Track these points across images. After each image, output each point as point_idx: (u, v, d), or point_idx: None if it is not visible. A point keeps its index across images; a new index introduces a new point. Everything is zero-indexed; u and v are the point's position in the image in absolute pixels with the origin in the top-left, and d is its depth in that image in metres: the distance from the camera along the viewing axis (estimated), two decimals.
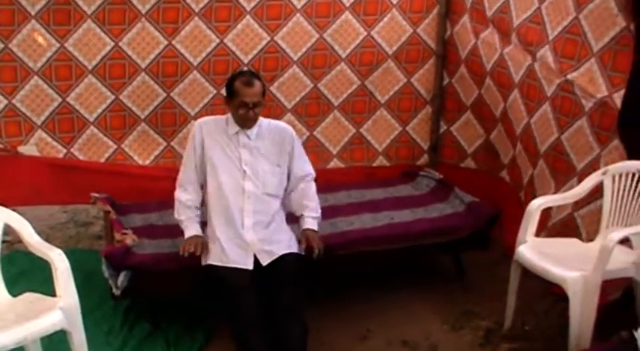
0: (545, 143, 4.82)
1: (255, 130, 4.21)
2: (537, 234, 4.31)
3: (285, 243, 4.15)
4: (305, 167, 4.43)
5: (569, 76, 4.53)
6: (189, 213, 4.23)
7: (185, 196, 4.25)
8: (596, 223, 4.38)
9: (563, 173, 4.68)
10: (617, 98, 4.20)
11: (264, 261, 4.02)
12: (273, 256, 4.04)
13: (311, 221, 4.32)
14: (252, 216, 4.12)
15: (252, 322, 3.82)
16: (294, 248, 4.17)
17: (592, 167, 4.40)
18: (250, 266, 4.00)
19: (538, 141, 4.90)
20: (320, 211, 4.43)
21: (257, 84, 4.09)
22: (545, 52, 4.73)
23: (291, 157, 4.33)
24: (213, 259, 4.04)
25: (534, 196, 4.72)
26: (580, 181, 4.42)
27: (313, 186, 4.47)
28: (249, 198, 4.13)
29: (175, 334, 4.32)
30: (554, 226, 4.67)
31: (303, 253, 4.20)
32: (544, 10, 4.74)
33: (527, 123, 4.99)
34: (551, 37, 4.68)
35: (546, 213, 4.61)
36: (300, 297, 3.98)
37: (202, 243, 4.12)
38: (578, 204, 4.47)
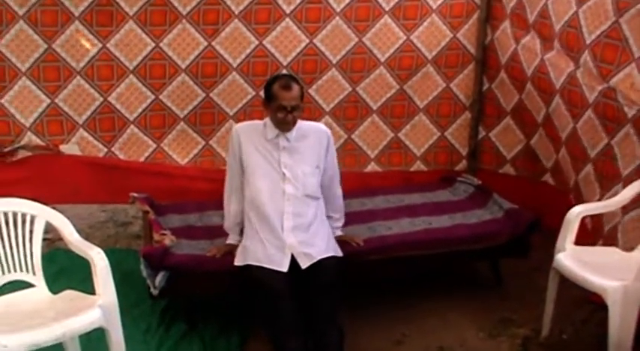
0: (596, 148, 4.75)
1: (294, 132, 4.21)
2: (592, 242, 4.25)
3: (324, 246, 4.15)
4: (334, 167, 4.45)
5: (610, 83, 4.47)
6: (232, 225, 4.37)
7: (231, 206, 4.34)
8: (637, 230, 4.33)
9: (610, 179, 4.62)
10: None
11: (304, 264, 4.02)
12: (313, 259, 4.03)
13: (337, 231, 4.46)
14: (293, 219, 4.12)
15: (288, 328, 3.83)
16: (332, 251, 4.16)
17: (638, 174, 4.34)
18: (285, 268, 3.99)
19: (587, 145, 4.83)
20: (344, 218, 4.57)
21: (295, 87, 4.10)
22: (586, 58, 4.67)
23: (326, 156, 4.34)
24: (251, 258, 4.05)
25: (582, 201, 4.69)
26: (625, 187, 4.35)
27: (339, 190, 4.52)
28: (288, 200, 4.14)
29: (211, 335, 4.33)
30: (610, 232, 4.61)
31: (341, 254, 4.22)
32: (581, 14, 4.68)
33: (572, 128, 4.93)
34: (588, 42, 4.63)
35: (598, 220, 4.55)
36: (338, 302, 3.98)
37: (227, 251, 4.27)
38: (625, 210, 4.41)
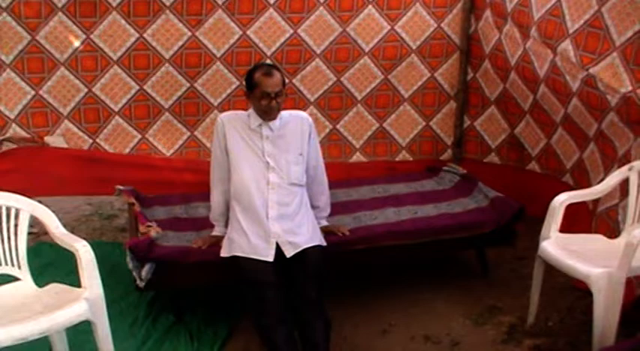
0: (591, 129, 4.79)
1: (277, 122, 4.22)
2: (584, 230, 4.28)
3: (309, 235, 4.15)
4: (318, 156, 4.44)
5: (590, 70, 4.49)
6: (218, 216, 4.36)
7: (216, 197, 4.33)
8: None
9: (611, 158, 4.64)
10: None
11: (289, 253, 4.02)
12: (298, 248, 4.04)
13: (322, 222, 4.46)
14: (277, 207, 4.12)
15: (275, 318, 3.83)
16: (317, 240, 4.18)
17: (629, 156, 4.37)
18: (271, 258, 3.99)
19: (583, 127, 4.86)
20: (329, 208, 4.54)
21: (277, 74, 4.10)
22: (567, 46, 4.68)
23: (308, 143, 4.34)
24: (236, 250, 4.05)
25: (587, 177, 4.77)
26: (620, 168, 4.36)
27: (324, 179, 4.50)
28: (273, 189, 4.13)
29: (198, 327, 4.33)
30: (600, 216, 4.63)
31: (325, 244, 4.23)
32: (564, 3, 4.70)
33: (564, 112, 4.97)
34: (571, 31, 4.64)
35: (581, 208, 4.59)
36: (323, 291, 3.98)
37: (213, 243, 4.27)
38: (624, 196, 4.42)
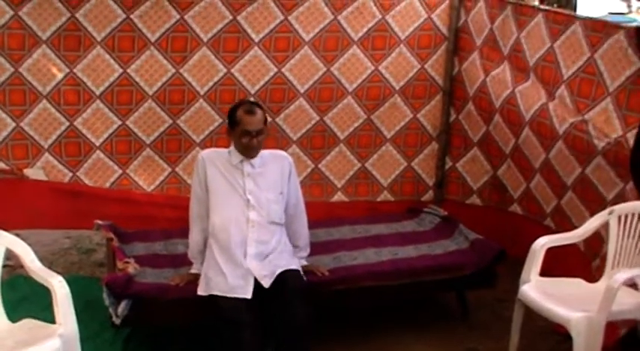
0: (571, 176, 4.81)
1: (258, 159, 4.22)
2: (575, 272, 4.35)
3: (285, 262, 4.16)
4: (298, 195, 4.46)
5: (585, 116, 4.53)
6: (196, 254, 4.34)
7: (195, 235, 4.32)
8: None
9: (595, 202, 4.63)
10: (631, 138, 4.20)
11: (267, 283, 4.01)
12: (274, 275, 4.03)
13: (302, 261, 4.44)
14: (256, 245, 4.12)
15: None
16: (295, 265, 4.18)
17: (621, 198, 4.36)
18: (249, 295, 3.97)
19: (562, 174, 4.88)
20: (309, 248, 4.55)
21: (259, 112, 4.13)
22: (563, 92, 4.73)
23: (288, 182, 4.35)
24: (213, 288, 4.03)
25: (569, 221, 4.79)
26: None
27: (304, 218, 4.51)
28: (253, 227, 4.13)
29: None
30: None
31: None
32: (557, 49, 4.76)
33: (545, 158, 4.99)
34: (565, 77, 4.70)
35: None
36: (308, 311, 3.98)
37: (190, 280, 4.24)
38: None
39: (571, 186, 4.84)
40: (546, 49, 4.87)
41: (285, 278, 4.03)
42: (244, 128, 4.08)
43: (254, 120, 4.09)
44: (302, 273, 4.21)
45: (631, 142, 4.19)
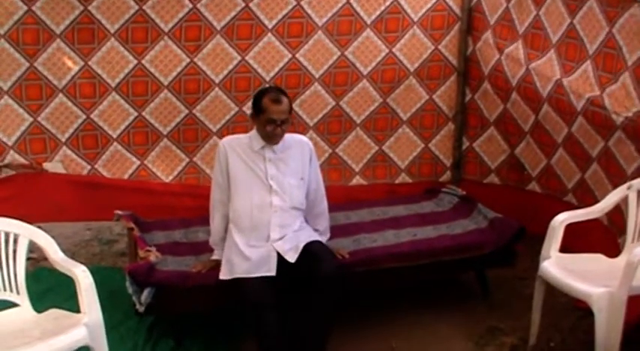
0: (595, 148, 4.80)
1: (279, 144, 4.22)
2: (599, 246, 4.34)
3: (307, 236, 4.20)
4: (318, 179, 4.47)
5: (607, 90, 4.50)
6: (218, 240, 4.35)
7: (216, 222, 4.33)
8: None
9: (617, 176, 4.62)
10: None
11: (292, 258, 4.04)
12: (299, 250, 4.06)
13: None
14: (279, 230, 4.14)
15: (273, 341, 3.86)
16: (316, 237, 4.24)
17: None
18: (273, 272, 4.00)
19: (586, 147, 4.87)
20: (329, 232, 4.58)
21: (285, 101, 4.11)
22: (587, 67, 4.70)
23: (309, 168, 4.36)
24: (236, 271, 4.05)
25: (592, 195, 4.76)
26: None
27: (324, 203, 4.53)
28: (275, 212, 4.15)
29: None
30: None
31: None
32: (577, 25, 4.74)
33: (568, 132, 4.98)
34: (590, 52, 4.67)
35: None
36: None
37: (212, 267, 4.26)
38: None
39: (596, 158, 4.82)
40: (567, 26, 4.84)
41: (311, 247, 4.07)
42: (270, 117, 4.07)
43: (280, 109, 4.08)
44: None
45: None
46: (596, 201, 4.59)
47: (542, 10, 5.07)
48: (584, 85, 4.71)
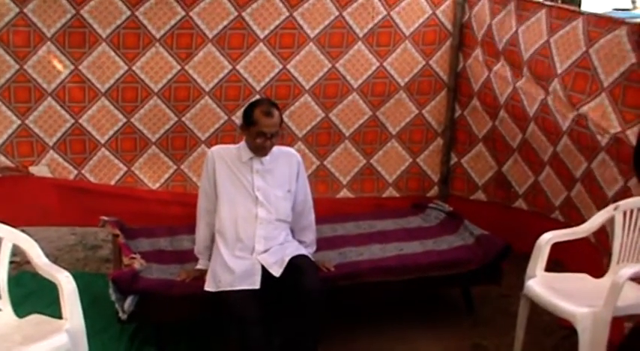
0: (579, 169, 4.80)
1: (267, 156, 4.21)
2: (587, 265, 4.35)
3: (293, 249, 4.19)
4: (306, 192, 4.47)
5: (580, 111, 4.52)
6: (203, 249, 4.35)
7: (202, 231, 4.33)
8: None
9: (599, 198, 4.63)
10: (631, 135, 4.18)
11: (277, 272, 4.02)
12: (284, 263, 4.05)
13: None
14: (264, 242, 4.13)
15: None
16: (302, 251, 4.22)
17: (623, 196, 4.35)
18: (257, 285, 3.98)
19: (570, 167, 4.88)
20: (315, 244, 4.57)
21: (276, 114, 4.11)
22: (556, 86, 4.72)
23: (297, 180, 4.35)
24: (221, 284, 4.03)
25: (579, 213, 4.77)
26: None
27: (311, 215, 4.52)
28: (261, 224, 4.14)
29: None
30: None
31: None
32: (552, 43, 4.75)
33: (553, 151, 4.98)
34: (559, 71, 4.68)
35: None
36: (321, 315, 3.99)
37: (197, 276, 4.25)
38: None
39: (579, 179, 4.83)
40: (542, 44, 4.84)
41: (296, 261, 4.06)
42: (260, 129, 4.07)
43: (271, 122, 4.08)
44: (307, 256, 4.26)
45: (631, 138, 4.18)
46: (583, 218, 4.61)
47: (522, 27, 5.06)
48: (561, 105, 4.73)
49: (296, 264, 4.05)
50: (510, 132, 5.40)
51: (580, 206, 4.92)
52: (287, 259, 4.06)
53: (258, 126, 4.06)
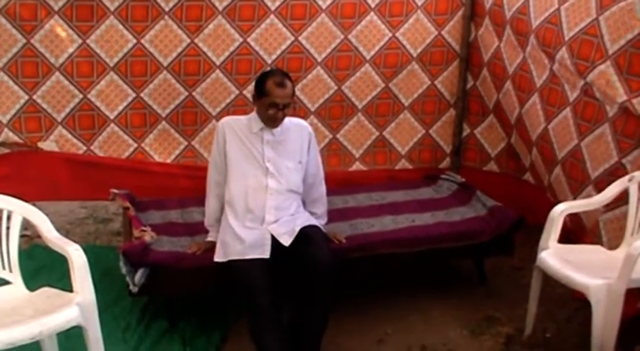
0: (564, 149, 4.76)
1: (278, 128, 4.19)
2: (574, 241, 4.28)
3: (303, 220, 4.18)
4: (318, 164, 4.45)
5: (587, 79, 4.46)
6: (213, 222, 4.34)
7: (212, 203, 4.33)
8: (618, 229, 4.32)
9: (579, 180, 4.62)
10: (637, 104, 4.12)
11: (287, 241, 4.02)
12: (294, 233, 4.04)
13: None
14: (275, 213, 4.11)
15: (268, 323, 3.82)
16: (314, 222, 4.20)
17: (610, 175, 4.32)
18: (267, 255, 3.98)
19: (556, 147, 4.84)
20: (326, 216, 4.55)
21: (289, 85, 4.08)
22: (563, 54, 4.65)
23: (308, 152, 4.33)
24: (230, 253, 4.03)
25: (557, 201, 4.66)
26: (596, 188, 4.39)
27: (323, 187, 4.51)
28: (271, 195, 4.13)
29: (192, 333, 4.30)
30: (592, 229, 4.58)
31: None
32: (563, 11, 4.67)
33: (544, 128, 4.93)
34: (567, 38, 4.61)
35: (577, 218, 4.56)
36: (330, 284, 3.96)
37: (208, 248, 4.24)
38: (607, 207, 4.38)
39: (560, 161, 4.81)
40: (552, 11, 4.77)
41: (307, 232, 4.05)
42: (273, 100, 4.04)
43: (284, 93, 4.05)
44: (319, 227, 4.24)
45: (637, 107, 4.13)
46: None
47: None
48: (567, 73, 4.67)
49: (306, 234, 4.04)
50: (510, 106, 5.36)
51: (558, 193, 4.90)
52: (297, 229, 4.05)
53: (270, 97, 4.03)
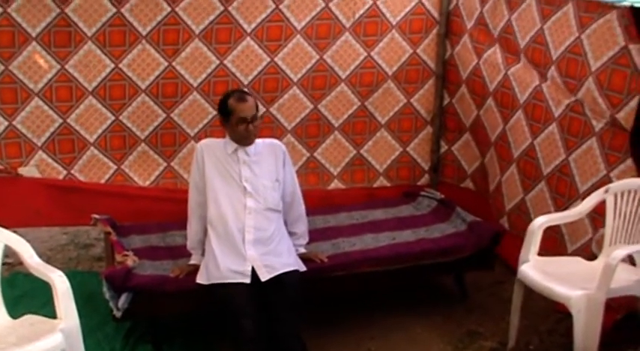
0: (551, 164, 4.82)
1: (252, 147, 4.25)
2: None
3: (285, 259, 4.16)
4: (294, 182, 4.48)
5: (577, 96, 4.52)
6: (195, 244, 4.35)
7: (194, 225, 4.34)
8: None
9: (566, 195, 4.67)
10: (621, 119, 4.20)
11: (264, 277, 4.02)
12: (273, 272, 4.04)
13: (300, 249, 4.47)
14: (254, 232, 4.13)
15: (251, 346, 3.83)
16: (294, 265, 4.17)
17: (598, 188, 4.35)
18: (248, 280, 3.99)
19: (542, 163, 4.89)
20: (307, 235, 4.57)
21: (249, 98, 4.17)
22: (553, 73, 4.72)
23: (283, 169, 4.37)
24: (213, 276, 4.05)
25: (528, 220, 4.67)
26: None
27: (301, 206, 4.53)
28: (250, 214, 4.14)
29: None
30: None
31: (304, 268, 4.26)
32: (546, 30, 4.74)
33: (530, 144, 4.99)
34: (554, 57, 4.68)
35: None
36: (300, 317, 3.98)
37: (190, 271, 4.24)
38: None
39: (545, 177, 4.88)
40: (536, 31, 4.84)
41: (281, 284, 4.03)
42: (239, 116, 4.10)
43: (247, 106, 4.12)
44: (300, 269, 4.23)
45: (622, 122, 4.20)
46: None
47: (514, 15, 5.06)
48: (558, 92, 4.72)
49: (280, 290, 4.03)
50: (492, 122, 5.41)
51: (531, 211, 4.99)
52: (279, 270, 4.05)
53: (235, 113, 4.11)
